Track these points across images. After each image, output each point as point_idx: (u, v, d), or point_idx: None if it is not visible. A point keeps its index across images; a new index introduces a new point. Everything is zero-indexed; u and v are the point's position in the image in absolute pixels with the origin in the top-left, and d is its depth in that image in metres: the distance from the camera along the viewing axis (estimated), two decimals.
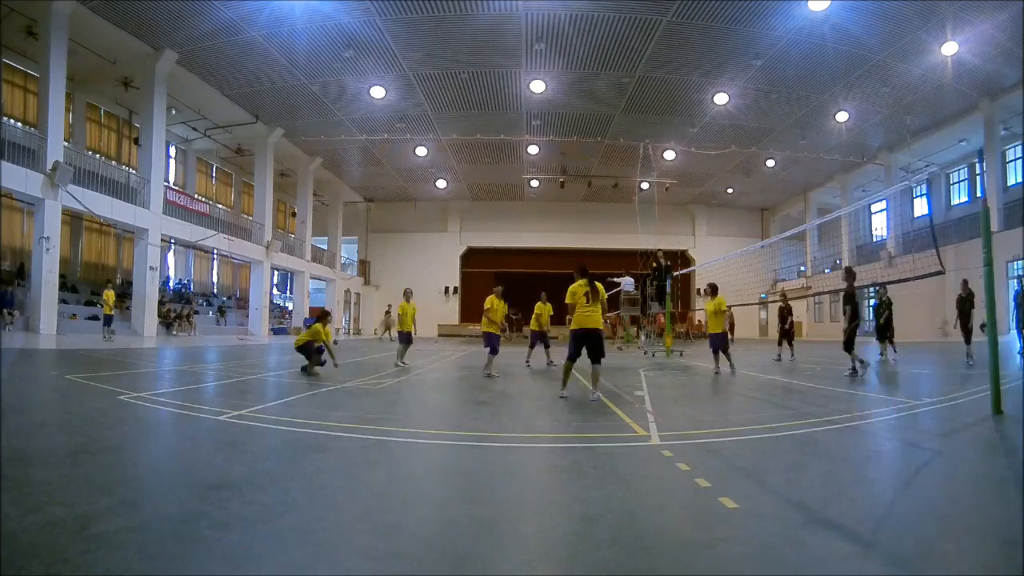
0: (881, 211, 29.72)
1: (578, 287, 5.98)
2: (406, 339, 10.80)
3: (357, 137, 24.14)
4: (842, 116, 21.02)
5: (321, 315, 9.19)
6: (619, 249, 31.63)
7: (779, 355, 12.68)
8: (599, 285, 6.07)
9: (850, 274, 8.56)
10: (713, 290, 9.99)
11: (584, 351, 5.91)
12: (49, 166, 14.64)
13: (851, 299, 8.36)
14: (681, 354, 14.32)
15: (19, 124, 17.30)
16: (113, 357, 10.14)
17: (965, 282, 11.12)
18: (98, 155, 20.42)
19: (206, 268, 29.12)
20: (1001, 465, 3.35)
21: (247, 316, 25.83)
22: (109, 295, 15.57)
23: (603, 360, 5.89)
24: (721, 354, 9.32)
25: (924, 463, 3.44)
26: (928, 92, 19.10)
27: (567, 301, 6.02)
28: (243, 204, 29.89)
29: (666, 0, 14.43)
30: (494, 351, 8.76)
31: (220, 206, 26.97)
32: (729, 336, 10.34)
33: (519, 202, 34.60)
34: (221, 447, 3.61)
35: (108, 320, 15.46)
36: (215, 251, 25.62)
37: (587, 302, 5.91)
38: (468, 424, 4.70)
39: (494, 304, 9.04)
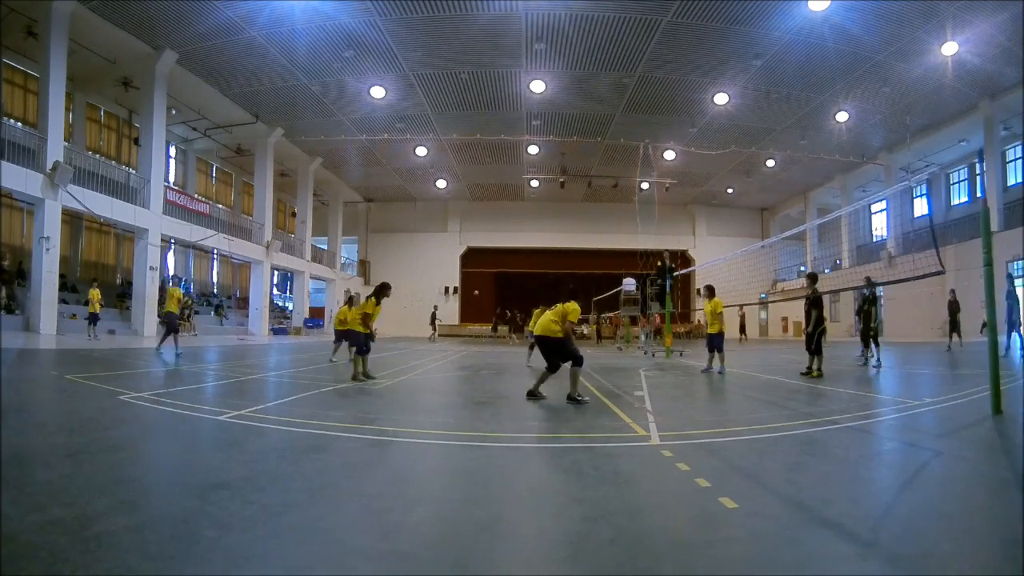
0: (881, 211, 29.73)
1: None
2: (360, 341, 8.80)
3: (357, 137, 24.14)
4: (842, 116, 21.02)
5: (379, 289, 7.71)
6: (619, 249, 31.70)
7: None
8: (569, 304, 5.98)
9: (813, 279, 8.97)
10: (710, 292, 9.95)
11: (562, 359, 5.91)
12: (49, 166, 14.64)
13: (818, 303, 8.70)
14: (681, 354, 14.32)
15: (19, 124, 17.30)
16: (113, 357, 10.14)
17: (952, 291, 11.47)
18: (98, 155, 20.41)
19: (206, 268, 29.12)
20: (1001, 465, 3.35)
21: (247, 316, 25.83)
22: (94, 293, 15.49)
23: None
24: (716, 352, 9.36)
25: (924, 463, 3.44)
26: (928, 92, 19.10)
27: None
28: (243, 204, 29.90)
29: (666, 0, 14.44)
30: (360, 351, 7.75)
31: (220, 206, 26.96)
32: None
33: (519, 202, 34.60)
34: (221, 447, 3.62)
35: (94, 319, 15.32)
36: (215, 251, 25.62)
37: (544, 309, 6.47)
38: (468, 424, 4.70)
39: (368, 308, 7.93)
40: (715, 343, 9.41)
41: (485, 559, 1.94)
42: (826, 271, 30.98)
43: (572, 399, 5.60)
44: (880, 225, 30.30)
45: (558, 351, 5.85)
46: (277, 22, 15.54)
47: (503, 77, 19.02)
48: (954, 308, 14.20)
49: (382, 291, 7.70)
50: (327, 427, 4.21)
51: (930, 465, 3.37)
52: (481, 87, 19.73)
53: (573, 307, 5.90)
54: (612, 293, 19.57)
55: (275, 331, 25.90)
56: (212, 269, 29.64)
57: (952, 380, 7.99)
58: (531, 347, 11.23)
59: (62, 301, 16.64)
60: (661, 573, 1.83)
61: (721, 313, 9.71)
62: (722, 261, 15.43)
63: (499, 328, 29.14)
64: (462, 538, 2.12)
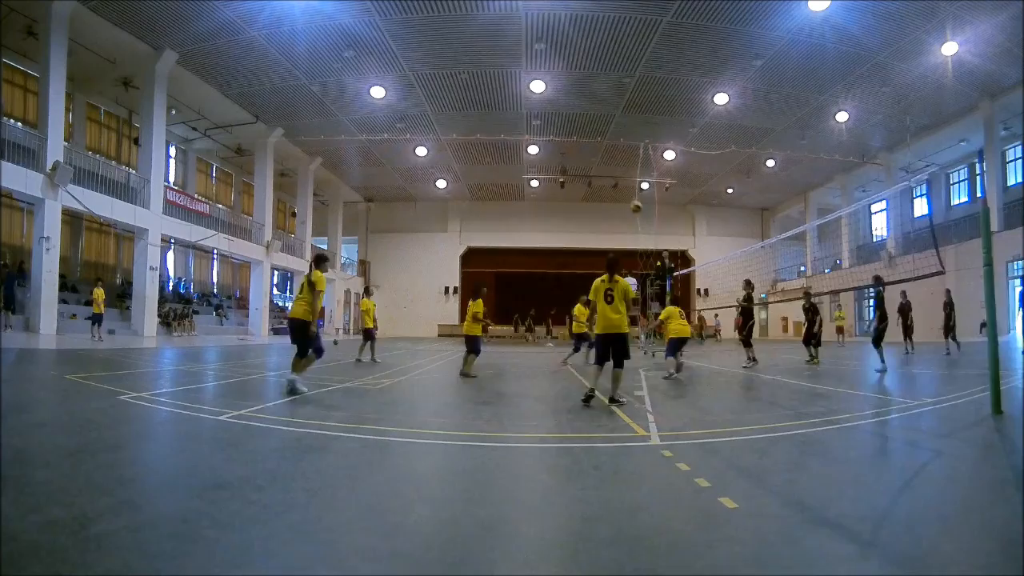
0: (881, 211, 29.73)
1: (599, 284, 5.59)
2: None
3: (357, 137, 24.13)
4: (842, 116, 21.01)
5: (316, 259, 6.29)
6: (619, 249, 31.53)
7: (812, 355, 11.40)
8: (621, 281, 5.56)
9: (749, 285, 10.08)
10: (674, 301, 10.85)
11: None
12: (49, 166, 14.64)
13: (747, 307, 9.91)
14: (681, 354, 14.29)
15: (19, 124, 17.29)
16: (113, 357, 10.14)
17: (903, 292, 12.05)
18: (98, 155, 20.40)
19: (206, 268, 29.11)
20: (1001, 465, 3.35)
21: (247, 316, 25.82)
22: (99, 294, 15.32)
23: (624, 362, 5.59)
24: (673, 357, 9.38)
25: (924, 463, 3.43)
26: (928, 92, 19.09)
27: (589, 298, 5.74)
28: (243, 204, 29.88)
29: (666, 0, 14.44)
30: (476, 352, 8.70)
31: (220, 206, 26.95)
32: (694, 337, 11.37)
33: (519, 202, 34.60)
34: (221, 447, 3.62)
35: (98, 319, 15.18)
36: (215, 251, 25.61)
37: (608, 302, 5.50)
38: (468, 424, 4.70)
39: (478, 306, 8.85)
40: (673, 347, 9.41)
41: (485, 559, 1.94)
42: (826, 271, 31.00)
43: (613, 400, 5.42)
44: (880, 225, 30.31)
45: (622, 347, 5.46)
46: (277, 22, 15.53)
47: (503, 77, 19.01)
48: (906, 310, 13.81)
49: (318, 261, 6.29)
50: (327, 427, 4.21)
51: (930, 465, 3.37)
52: (481, 87, 19.73)
53: (626, 284, 5.54)
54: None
55: (275, 331, 25.87)
56: (212, 269, 29.63)
57: (951, 380, 7.99)
58: (575, 348, 11.51)
59: (62, 301, 16.62)
60: (661, 573, 1.83)
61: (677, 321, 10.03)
62: (722, 261, 15.44)
63: (519, 328, 28.95)
64: (462, 538, 2.12)
